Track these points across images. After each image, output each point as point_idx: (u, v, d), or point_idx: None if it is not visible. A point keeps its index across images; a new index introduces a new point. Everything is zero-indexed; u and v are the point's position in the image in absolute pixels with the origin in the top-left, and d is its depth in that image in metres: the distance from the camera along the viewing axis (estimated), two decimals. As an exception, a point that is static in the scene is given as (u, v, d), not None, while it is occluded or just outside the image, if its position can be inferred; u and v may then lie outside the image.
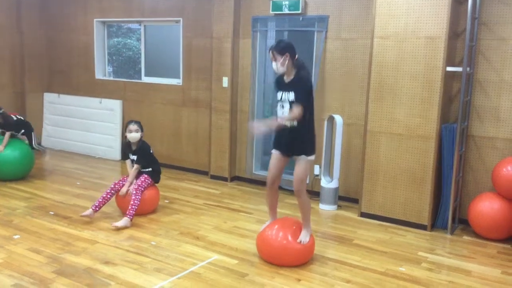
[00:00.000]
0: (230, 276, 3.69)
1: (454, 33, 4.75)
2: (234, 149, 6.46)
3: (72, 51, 7.89)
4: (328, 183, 5.41)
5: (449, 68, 4.63)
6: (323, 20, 5.55)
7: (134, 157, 5.01)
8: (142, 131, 5.00)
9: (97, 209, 4.78)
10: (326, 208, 5.40)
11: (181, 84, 6.87)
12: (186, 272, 3.74)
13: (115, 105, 7.45)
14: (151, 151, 5.08)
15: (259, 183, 6.28)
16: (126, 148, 5.08)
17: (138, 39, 7.51)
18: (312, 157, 3.87)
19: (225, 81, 6.25)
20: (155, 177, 5.08)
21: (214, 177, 6.55)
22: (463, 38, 4.67)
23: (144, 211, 4.96)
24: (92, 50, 7.67)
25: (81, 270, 3.71)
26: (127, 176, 4.99)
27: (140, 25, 7.30)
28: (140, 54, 7.37)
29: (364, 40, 5.27)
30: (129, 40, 8.00)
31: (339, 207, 5.47)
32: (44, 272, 3.65)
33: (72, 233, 4.48)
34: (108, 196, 4.85)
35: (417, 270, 3.91)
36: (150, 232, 4.55)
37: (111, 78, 7.78)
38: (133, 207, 4.67)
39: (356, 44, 5.40)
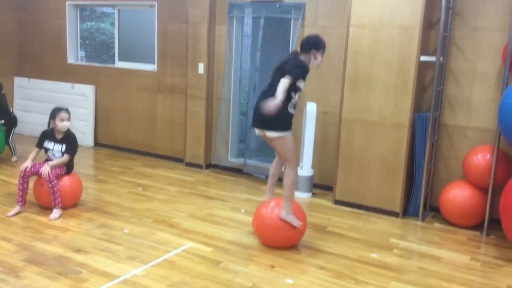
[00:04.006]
0: (204, 264, 3.68)
1: (429, 23, 4.79)
2: (209, 137, 6.41)
3: (44, 34, 7.68)
4: (299, 170, 5.42)
5: (422, 58, 4.67)
6: (299, 7, 5.52)
7: (55, 146, 4.62)
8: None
9: (23, 202, 4.56)
10: (301, 195, 5.42)
11: (156, 70, 6.76)
12: (159, 260, 3.71)
13: (88, 90, 7.30)
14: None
15: (234, 170, 6.27)
16: (47, 135, 4.67)
17: (112, 23, 7.35)
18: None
19: (201, 68, 6.18)
20: (70, 167, 4.72)
21: (189, 164, 6.50)
22: (437, 28, 4.71)
23: (68, 204, 4.66)
24: (64, 34, 7.47)
25: (51, 258, 3.65)
26: (39, 164, 4.60)
27: (114, 9, 7.14)
28: (114, 38, 7.22)
29: (340, 28, 5.26)
30: (102, 24, 7.82)
31: (314, 194, 5.50)
32: (13, 260, 3.58)
33: (42, 220, 4.40)
34: (25, 185, 4.52)
35: (389, 257, 3.97)
36: (123, 220, 4.50)
37: (84, 63, 7.61)
38: (56, 195, 4.45)
39: (332, 32, 5.39)
